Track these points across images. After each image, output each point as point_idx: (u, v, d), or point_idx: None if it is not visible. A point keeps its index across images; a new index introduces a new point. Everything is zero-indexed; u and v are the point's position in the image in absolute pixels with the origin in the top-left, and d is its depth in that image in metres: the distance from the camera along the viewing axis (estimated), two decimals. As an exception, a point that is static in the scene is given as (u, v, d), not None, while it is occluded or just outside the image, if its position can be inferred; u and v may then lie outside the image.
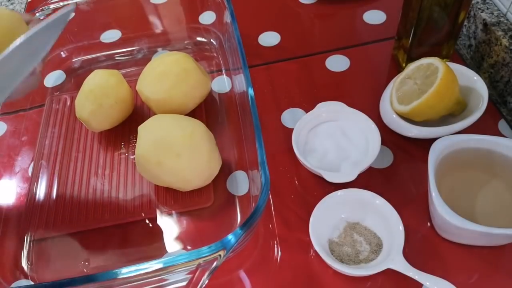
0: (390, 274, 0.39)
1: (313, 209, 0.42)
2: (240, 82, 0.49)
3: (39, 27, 0.32)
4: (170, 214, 0.47)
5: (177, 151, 0.43)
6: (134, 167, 0.51)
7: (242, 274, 0.43)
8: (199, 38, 0.65)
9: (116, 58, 0.65)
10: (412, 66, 0.48)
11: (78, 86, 0.53)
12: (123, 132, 0.55)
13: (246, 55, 0.46)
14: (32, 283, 0.43)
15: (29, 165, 0.53)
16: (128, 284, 0.35)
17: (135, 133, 0.50)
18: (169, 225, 0.46)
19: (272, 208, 0.47)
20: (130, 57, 0.64)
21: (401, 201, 0.45)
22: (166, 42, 0.65)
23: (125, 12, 0.68)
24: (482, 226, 0.37)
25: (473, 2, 0.56)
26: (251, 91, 0.43)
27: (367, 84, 0.56)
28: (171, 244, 0.45)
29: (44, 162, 0.53)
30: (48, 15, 0.57)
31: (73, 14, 0.33)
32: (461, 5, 0.47)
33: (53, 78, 0.62)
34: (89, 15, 0.63)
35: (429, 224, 0.44)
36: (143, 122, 0.47)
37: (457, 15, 0.48)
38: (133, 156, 0.52)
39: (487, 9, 0.55)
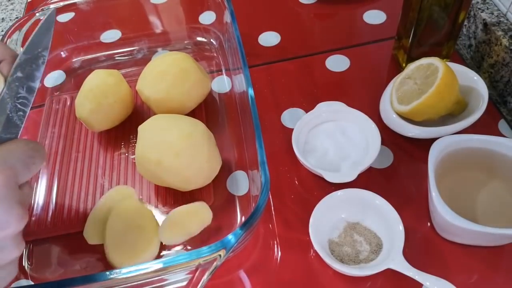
0: (390, 274, 0.39)
1: (313, 209, 0.42)
2: (240, 82, 0.49)
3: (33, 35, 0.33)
4: (170, 214, 0.47)
5: (177, 151, 0.43)
6: (134, 167, 0.51)
7: (242, 274, 0.43)
8: (199, 38, 0.65)
9: (116, 58, 0.65)
10: (412, 66, 0.48)
11: (78, 86, 0.53)
12: (123, 132, 0.55)
13: (246, 55, 0.46)
14: (32, 283, 0.43)
15: (29, 165, 0.53)
16: (128, 284, 0.35)
17: (135, 133, 0.50)
18: (169, 225, 0.46)
19: (272, 208, 0.47)
20: (130, 57, 0.64)
21: (401, 201, 0.45)
22: (166, 42, 0.65)
23: (125, 12, 0.68)
24: (482, 226, 0.37)
25: (473, 2, 0.56)
26: (251, 91, 0.43)
27: (367, 84, 0.56)
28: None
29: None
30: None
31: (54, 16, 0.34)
32: (461, 5, 0.47)
33: (53, 78, 0.62)
34: (89, 15, 0.63)
35: (429, 224, 0.44)
36: (143, 122, 0.47)
37: (457, 15, 0.48)
38: (133, 156, 0.52)
39: (487, 9, 0.55)
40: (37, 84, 0.33)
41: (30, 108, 0.33)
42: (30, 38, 0.33)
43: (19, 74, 0.32)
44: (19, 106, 0.32)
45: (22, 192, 0.29)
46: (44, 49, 0.34)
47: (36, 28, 0.33)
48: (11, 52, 0.34)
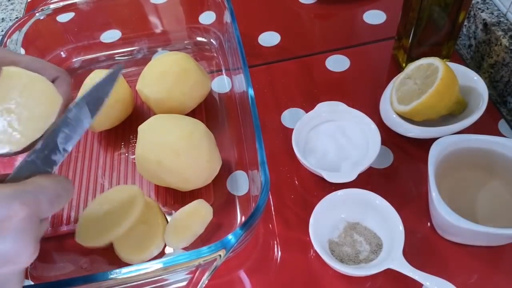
0: (390, 274, 0.39)
1: (313, 209, 0.42)
2: (240, 82, 0.49)
3: (97, 83, 0.34)
4: (170, 214, 0.47)
5: (177, 151, 0.43)
6: (134, 167, 0.51)
7: (242, 274, 0.43)
8: (199, 38, 0.65)
9: (116, 58, 0.65)
10: (412, 66, 0.48)
11: (78, 86, 0.53)
12: (123, 132, 0.55)
13: (246, 55, 0.46)
14: (32, 283, 0.43)
15: (29, 165, 0.53)
16: (128, 284, 0.35)
17: (135, 133, 0.50)
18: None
19: (272, 208, 0.47)
20: (130, 57, 0.64)
21: (401, 201, 0.45)
22: (166, 42, 0.65)
23: (125, 12, 0.68)
24: (482, 226, 0.37)
25: (473, 2, 0.56)
26: (251, 91, 0.43)
27: (367, 84, 0.56)
28: (171, 244, 0.45)
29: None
30: (48, 14, 0.58)
31: (121, 70, 0.35)
32: (461, 5, 0.47)
33: (53, 78, 0.62)
34: (89, 15, 0.62)
35: (429, 224, 0.44)
36: (143, 122, 0.47)
37: (457, 15, 0.48)
38: (133, 156, 0.52)
39: (487, 9, 0.55)
40: (87, 125, 0.34)
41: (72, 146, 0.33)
42: (95, 84, 0.34)
43: (76, 112, 0.33)
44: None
45: (40, 227, 0.29)
46: (105, 94, 0.35)
47: (102, 77, 0.34)
48: (63, 71, 0.34)
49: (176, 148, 0.43)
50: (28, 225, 0.27)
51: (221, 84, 0.59)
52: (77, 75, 0.63)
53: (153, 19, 0.68)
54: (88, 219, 0.44)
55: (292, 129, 0.49)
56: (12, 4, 0.78)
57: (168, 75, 0.50)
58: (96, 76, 0.52)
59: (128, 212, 0.43)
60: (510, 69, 0.51)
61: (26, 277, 0.44)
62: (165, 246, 0.44)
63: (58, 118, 0.33)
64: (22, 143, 0.31)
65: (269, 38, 0.64)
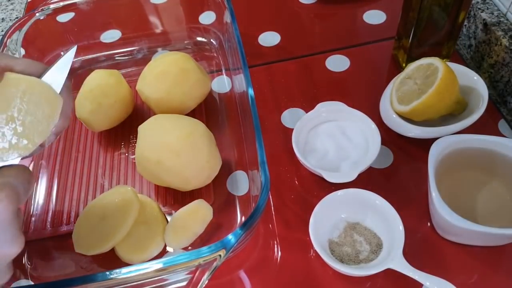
0: (390, 274, 0.39)
1: (313, 209, 0.42)
2: (240, 82, 0.49)
3: (47, 71, 0.33)
4: (170, 214, 0.47)
5: (177, 151, 0.43)
6: (134, 167, 0.51)
7: (242, 274, 0.43)
8: (199, 38, 0.65)
9: (116, 58, 0.65)
10: (412, 66, 0.48)
11: (78, 86, 0.53)
12: (123, 132, 0.55)
13: (246, 55, 0.46)
14: (32, 283, 0.43)
15: (29, 165, 0.53)
16: (128, 284, 0.35)
17: (135, 133, 0.50)
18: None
19: (272, 208, 0.47)
20: (130, 57, 0.64)
21: (401, 201, 0.45)
22: (166, 42, 0.65)
23: (125, 12, 0.68)
24: (482, 226, 0.37)
25: (473, 2, 0.56)
26: (251, 91, 0.43)
27: (367, 84, 0.56)
28: (171, 244, 0.45)
29: (44, 162, 0.53)
30: (48, 13, 0.58)
31: (74, 51, 0.34)
32: (461, 5, 0.47)
33: (53, 78, 0.62)
34: (89, 15, 0.63)
35: (429, 224, 0.44)
36: (143, 122, 0.47)
37: (457, 15, 0.48)
38: (133, 156, 0.52)
39: (487, 9, 0.55)
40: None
41: None
42: (47, 71, 0.33)
43: None
44: None
45: (20, 218, 0.29)
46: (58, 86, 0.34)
47: (54, 63, 0.33)
48: (38, 66, 0.34)
49: (176, 148, 0.43)
50: (11, 215, 0.27)
51: (221, 84, 0.59)
52: (77, 75, 0.63)
53: (153, 19, 0.68)
54: (84, 227, 0.44)
55: (292, 129, 0.49)
56: (12, 4, 0.78)
57: (168, 75, 0.50)
58: (96, 76, 0.52)
59: (124, 215, 0.42)
60: (510, 69, 0.51)
61: (26, 277, 0.44)
62: (165, 246, 0.44)
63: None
64: (29, 148, 0.31)
65: (269, 38, 0.64)
